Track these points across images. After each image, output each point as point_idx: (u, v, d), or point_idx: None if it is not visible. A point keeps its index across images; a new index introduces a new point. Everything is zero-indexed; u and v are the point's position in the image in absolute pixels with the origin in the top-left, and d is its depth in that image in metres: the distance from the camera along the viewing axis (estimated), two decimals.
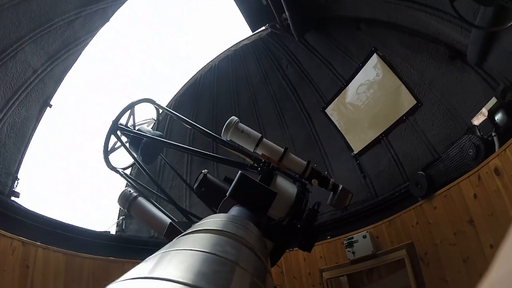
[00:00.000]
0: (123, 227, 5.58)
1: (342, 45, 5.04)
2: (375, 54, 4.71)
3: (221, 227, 0.91)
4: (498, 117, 3.39)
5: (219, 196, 2.02)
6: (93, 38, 4.82)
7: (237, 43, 5.86)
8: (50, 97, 4.71)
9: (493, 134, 3.41)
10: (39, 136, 4.72)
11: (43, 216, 4.31)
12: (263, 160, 3.30)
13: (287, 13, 4.81)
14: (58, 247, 4.07)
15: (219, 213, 1.84)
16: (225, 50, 5.94)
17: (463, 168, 3.69)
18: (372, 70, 4.80)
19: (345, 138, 5.31)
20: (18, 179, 4.31)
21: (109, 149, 4.01)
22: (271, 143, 3.43)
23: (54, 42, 4.38)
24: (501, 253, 0.31)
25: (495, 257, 0.30)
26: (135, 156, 4.02)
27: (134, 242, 5.31)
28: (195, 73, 5.97)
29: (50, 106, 4.72)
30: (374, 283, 4.36)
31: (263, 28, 5.62)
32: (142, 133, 3.92)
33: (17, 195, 4.21)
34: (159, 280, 0.48)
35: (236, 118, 3.44)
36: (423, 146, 4.40)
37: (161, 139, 4.05)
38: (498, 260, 0.30)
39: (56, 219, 4.47)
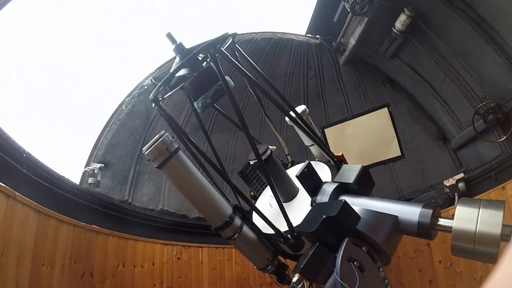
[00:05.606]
0: (99, 179, 4.25)
1: (365, 87, 6.27)
2: (386, 108, 6.18)
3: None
4: (460, 184, 5.42)
5: (314, 180, 1.99)
6: None
7: (284, 33, 6.01)
8: None
9: (456, 194, 5.41)
10: None
11: None
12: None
13: (353, 42, 5.65)
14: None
15: (326, 199, 1.85)
16: (271, 32, 5.94)
17: None
18: (378, 118, 6.23)
19: None
20: None
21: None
22: None
23: None
24: (505, 256, 0.31)
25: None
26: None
27: (105, 205, 4.17)
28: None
29: None
30: None
31: (313, 36, 6.13)
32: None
33: None
34: None
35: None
36: (393, 186, 6.05)
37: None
38: (502, 262, 0.31)
39: None
